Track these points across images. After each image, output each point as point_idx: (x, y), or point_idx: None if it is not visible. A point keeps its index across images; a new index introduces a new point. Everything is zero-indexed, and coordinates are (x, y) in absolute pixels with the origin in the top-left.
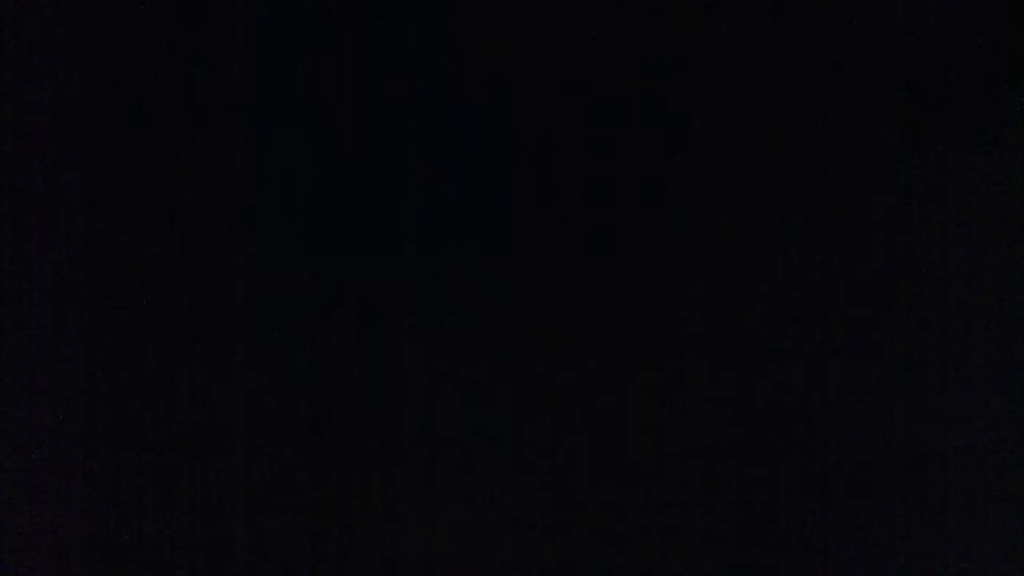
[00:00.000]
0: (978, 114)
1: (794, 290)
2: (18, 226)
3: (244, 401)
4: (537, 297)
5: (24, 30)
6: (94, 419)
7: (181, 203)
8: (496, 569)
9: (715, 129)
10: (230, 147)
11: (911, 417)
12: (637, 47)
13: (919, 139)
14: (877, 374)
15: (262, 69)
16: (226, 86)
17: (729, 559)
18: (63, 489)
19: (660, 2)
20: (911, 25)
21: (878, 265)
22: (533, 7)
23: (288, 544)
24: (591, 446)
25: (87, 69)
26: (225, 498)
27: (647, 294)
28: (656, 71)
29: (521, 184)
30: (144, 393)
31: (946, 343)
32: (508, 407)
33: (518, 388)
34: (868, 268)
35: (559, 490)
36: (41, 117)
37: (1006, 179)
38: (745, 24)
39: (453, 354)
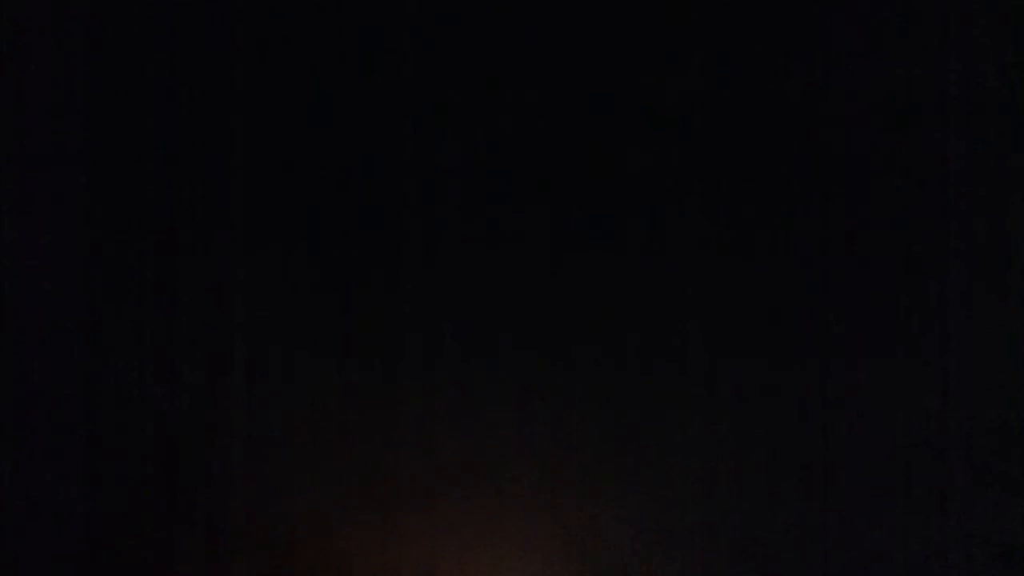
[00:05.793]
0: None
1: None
2: (18, 226)
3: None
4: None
5: (24, 29)
6: (94, 419)
7: (181, 203)
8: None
9: (717, 128)
10: (230, 146)
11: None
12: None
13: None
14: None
15: (261, 69)
16: (226, 85)
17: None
18: (63, 485)
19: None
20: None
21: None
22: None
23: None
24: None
25: (87, 68)
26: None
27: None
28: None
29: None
30: (144, 393)
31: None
32: None
33: None
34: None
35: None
36: (41, 117)
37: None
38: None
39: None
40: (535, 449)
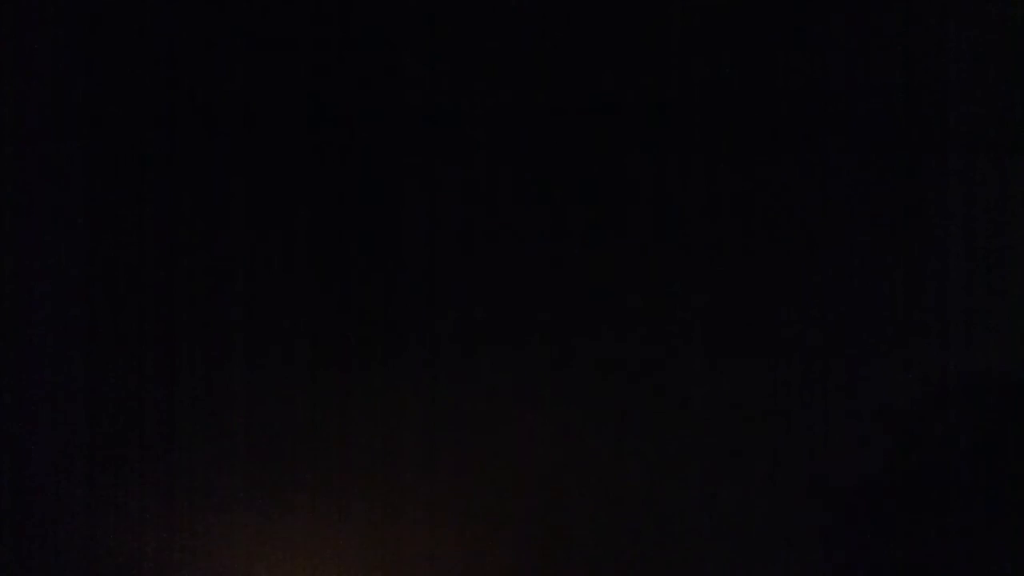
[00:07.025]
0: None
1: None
2: (18, 226)
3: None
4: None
5: (24, 29)
6: (94, 419)
7: (181, 203)
8: None
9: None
10: (230, 146)
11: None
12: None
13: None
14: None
15: (261, 69)
16: (226, 85)
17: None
18: (63, 490)
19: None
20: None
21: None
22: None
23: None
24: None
25: (88, 70)
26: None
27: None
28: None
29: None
30: (144, 393)
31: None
32: None
33: None
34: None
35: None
36: (41, 117)
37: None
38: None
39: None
40: (535, 449)
